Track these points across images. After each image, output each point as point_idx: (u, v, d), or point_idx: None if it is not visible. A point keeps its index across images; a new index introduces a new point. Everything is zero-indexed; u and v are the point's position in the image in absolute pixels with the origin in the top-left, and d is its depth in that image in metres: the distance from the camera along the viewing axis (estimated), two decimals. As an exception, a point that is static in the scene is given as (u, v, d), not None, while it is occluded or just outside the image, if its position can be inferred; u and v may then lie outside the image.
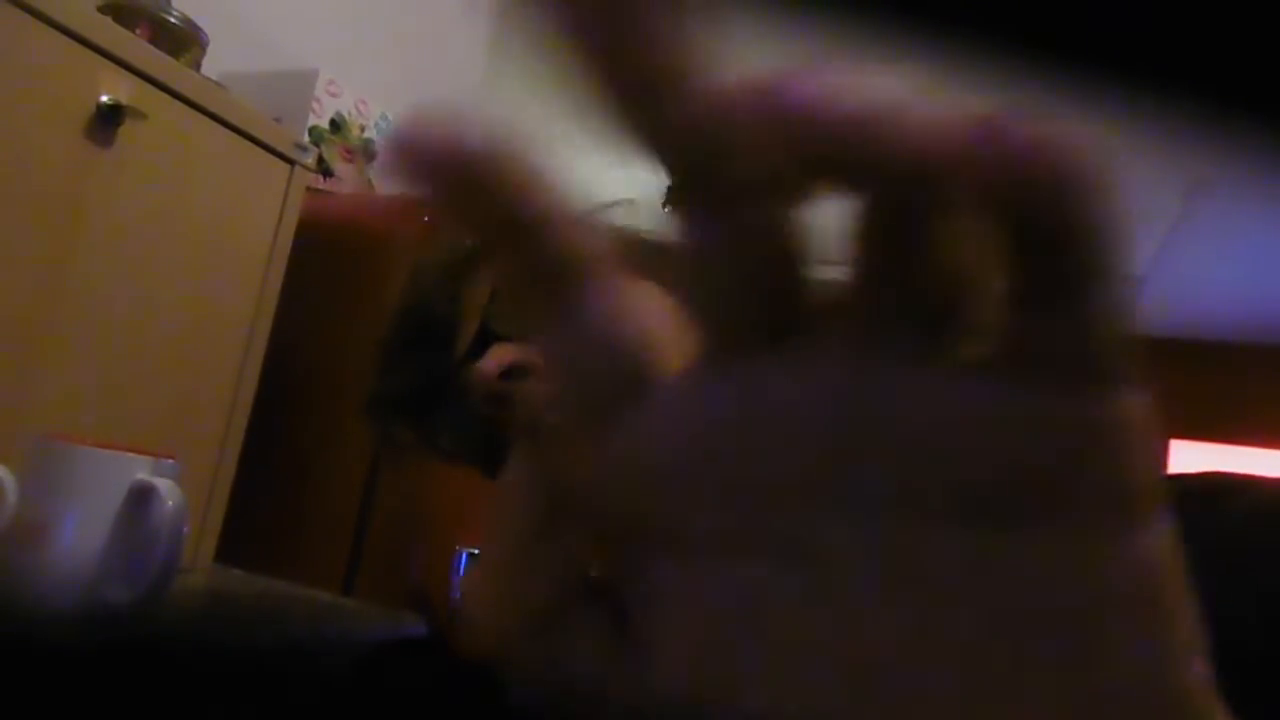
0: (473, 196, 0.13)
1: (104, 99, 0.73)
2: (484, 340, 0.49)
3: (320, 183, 1.16)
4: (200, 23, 1.01)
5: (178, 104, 0.79)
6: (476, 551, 0.93)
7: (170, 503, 0.60)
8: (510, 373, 0.47)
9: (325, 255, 0.98)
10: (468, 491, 0.92)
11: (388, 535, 0.89)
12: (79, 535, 0.58)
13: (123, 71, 0.74)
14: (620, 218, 0.56)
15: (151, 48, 0.78)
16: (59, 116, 0.71)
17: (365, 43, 1.46)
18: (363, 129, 1.20)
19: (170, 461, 0.64)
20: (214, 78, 1.17)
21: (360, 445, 0.90)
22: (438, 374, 0.53)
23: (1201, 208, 3.45)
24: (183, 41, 0.95)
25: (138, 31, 0.90)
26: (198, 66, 0.96)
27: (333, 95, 1.16)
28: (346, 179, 1.18)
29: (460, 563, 0.93)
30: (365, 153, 1.20)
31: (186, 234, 0.81)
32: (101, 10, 0.90)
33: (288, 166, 0.89)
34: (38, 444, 0.59)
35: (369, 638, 0.80)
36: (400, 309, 0.58)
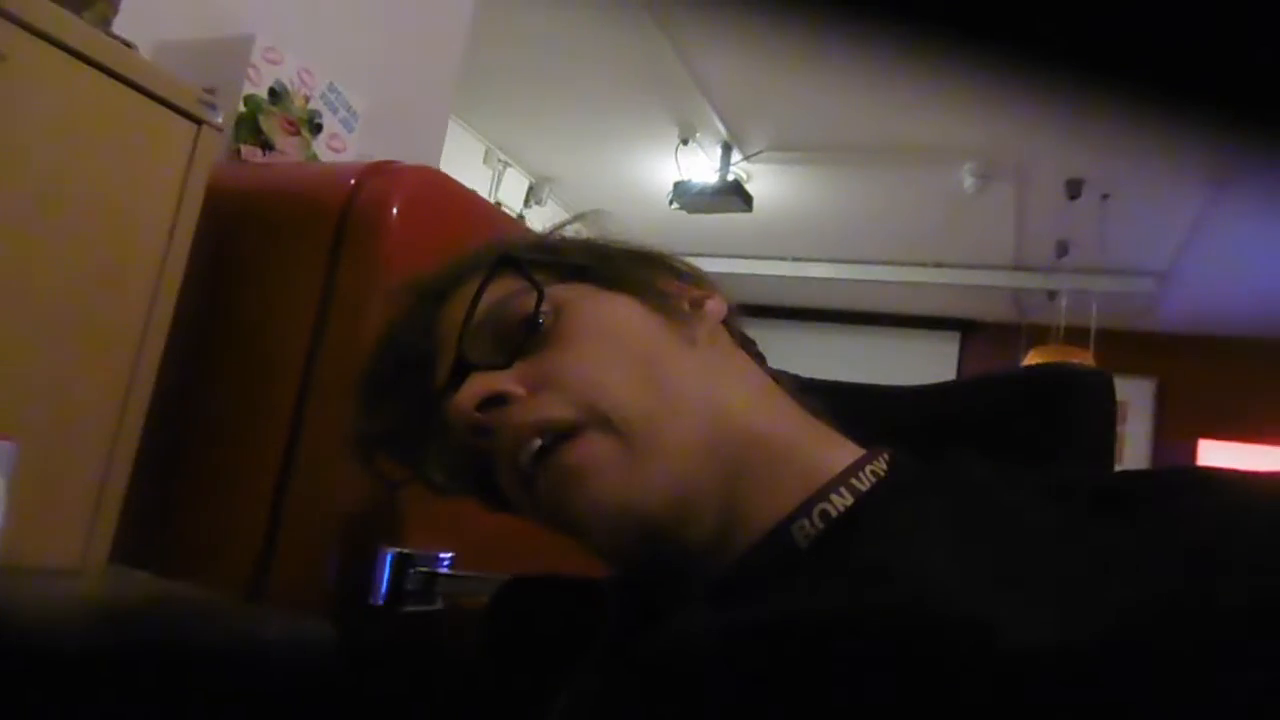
0: None
1: None
2: (461, 370, 0.49)
3: (259, 156, 1.08)
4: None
5: (54, 50, 0.71)
6: (403, 551, 0.84)
7: (-11, 486, 0.51)
8: (487, 403, 0.47)
9: (248, 227, 0.90)
10: (386, 492, 0.82)
11: (303, 531, 0.80)
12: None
13: (-17, 10, 0.66)
14: (590, 227, 0.58)
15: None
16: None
17: (309, 8, 1.38)
18: (307, 100, 1.12)
19: (3, 443, 0.55)
20: (145, 44, 1.09)
21: (274, 436, 0.82)
22: (419, 411, 0.53)
23: (1225, 206, 3.31)
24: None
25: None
26: (107, 24, 0.89)
27: (272, 63, 1.08)
28: (289, 152, 1.10)
29: (384, 563, 0.84)
30: (310, 125, 1.12)
31: (68, 196, 0.73)
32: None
33: (194, 126, 0.81)
34: None
35: (269, 644, 0.71)
36: (376, 346, 0.58)
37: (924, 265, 4.35)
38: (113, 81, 0.75)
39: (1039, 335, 4.14)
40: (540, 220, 4.07)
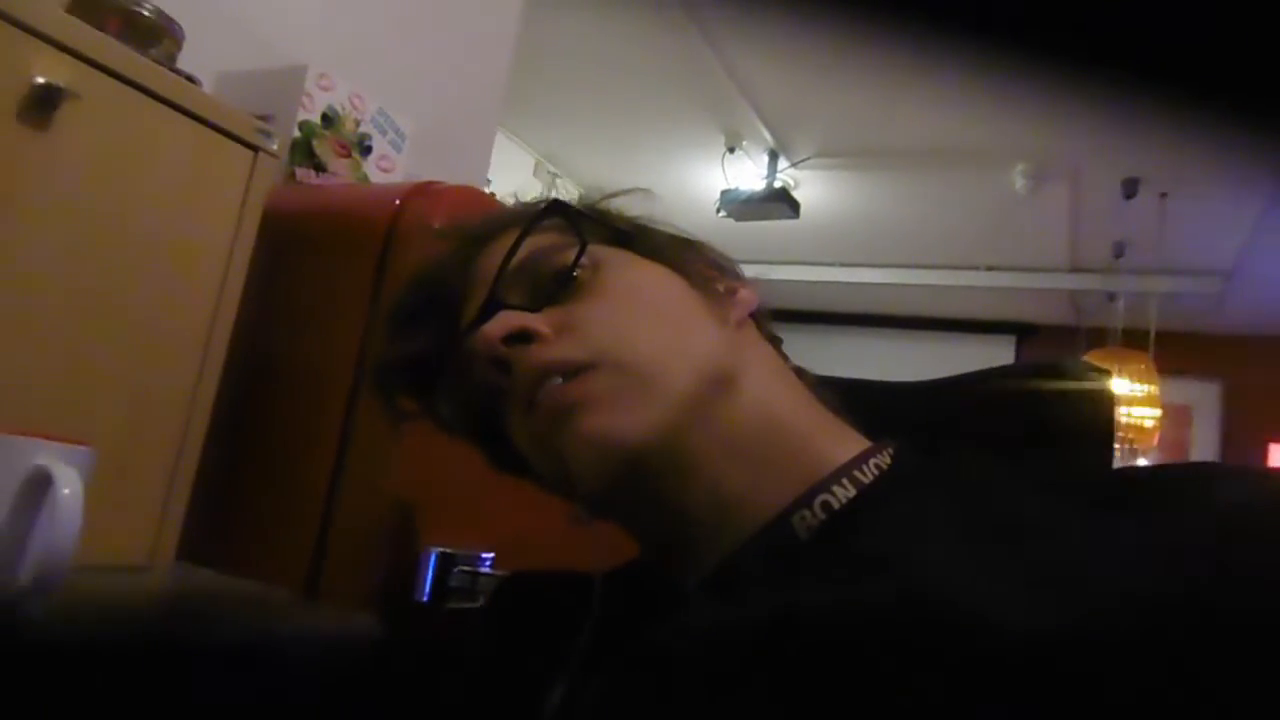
0: None
1: (39, 80, 0.71)
2: (491, 308, 0.49)
3: (313, 178, 1.14)
4: (190, 20, 1.00)
5: (124, 88, 0.77)
6: (446, 551, 0.88)
7: (66, 489, 0.57)
8: (513, 338, 0.47)
9: (301, 246, 0.96)
10: (433, 492, 0.87)
11: (353, 533, 0.85)
12: (-30, 521, 0.56)
13: (60, 53, 0.73)
14: (634, 205, 0.58)
15: (91, 29, 0.76)
16: (-11, 97, 0.69)
17: (360, 37, 1.45)
18: (358, 123, 1.18)
19: (82, 448, 0.61)
20: (207, 75, 1.17)
21: (325, 444, 0.87)
22: (442, 342, 0.53)
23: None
24: (153, 33, 0.94)
25: (108, 25, 0.90)
26: (173, 60, 0.95)
27: (324, 90, 1.14)
28: (341, 173, 1.15)
29: (429, 562, 0.88)
30: (361, 147, 1.18)
31: (137, 221, 0.79)
32: (72, 5, 0.90)
33: (250, 153, 0.87)
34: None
35: (321, 637, 0.76)
36: (410, 280, 0.58)
37: (976, 269, 4.29)
38: (177, 114, 0.81)
39: (1097, 338, 4.05)
40: (590, 230, 4.13)
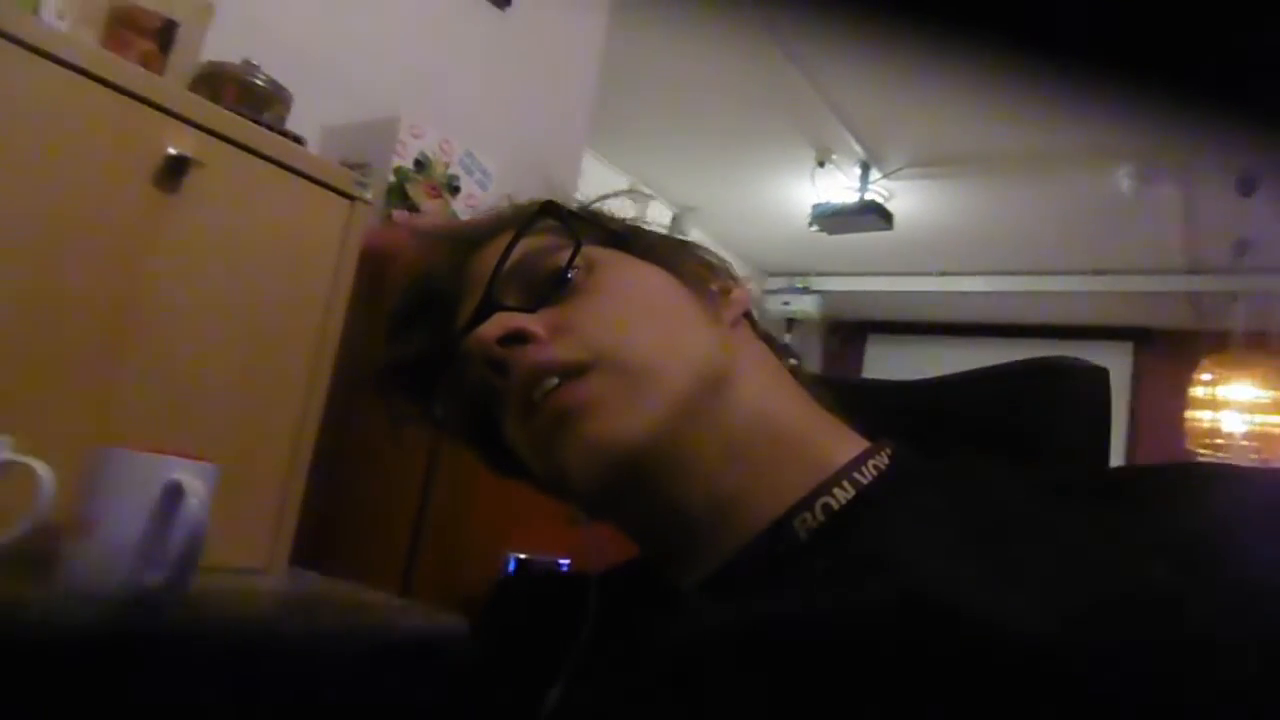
0: None
1: (170, 151, 0.83)
2: (487, 309, 0.49)
3: (407, 218, 1.25)
4: (300, 78, 1.13)
5: (240, 153, 0.89)
6: (524, 557, 0.96)
7: (194, 499, 0.67)
8: (509, 339, 0.47)
9: (395, 279, 1.06)
10: (514, 502, 0.95)
11: (441, 540, 0.94)
12: (118, 526, 0.66)
13: (187, 127, 0.85)
14: (629, 208, 0.58)
15: (212, 104, 0.88)
16: (132, 167, 0.82)
17: (447, 88, 1.57)
18: (447, 166, 1.29)
19: (208, 465, 0.71)
20: (315, 129, 1.30)
21: (417, 462, 0.96)
22: (438, 344, 0.53)
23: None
24: (265, 100, 1.06)
25: (227, 95, 1.03)
26: (282, 121, 1.08)
27: (416, 138, 1.25)
28: (433, 213, 1.26)
29: (509, 567, 0.96)
30: (450, 188, 1.29)
31: (254, 264, 0.91)
32: (197, 79, 1.03)
33: (348, 202, 0.97)
34: (88, 450, 0.68)
35: (413, 633, 0.85)
36: (406, 283, 0.58)
37: (1085, 274, 4.15)
38: (285, 172, 0.93)
39: (1219, 341, 3.85)
40: (684, 248, 4.20)
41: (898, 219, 3.63)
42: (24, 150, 0.76)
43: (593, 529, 0.52)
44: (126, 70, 0.83)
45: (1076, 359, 0.56)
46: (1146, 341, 4.70)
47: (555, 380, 0.46)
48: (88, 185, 0.80)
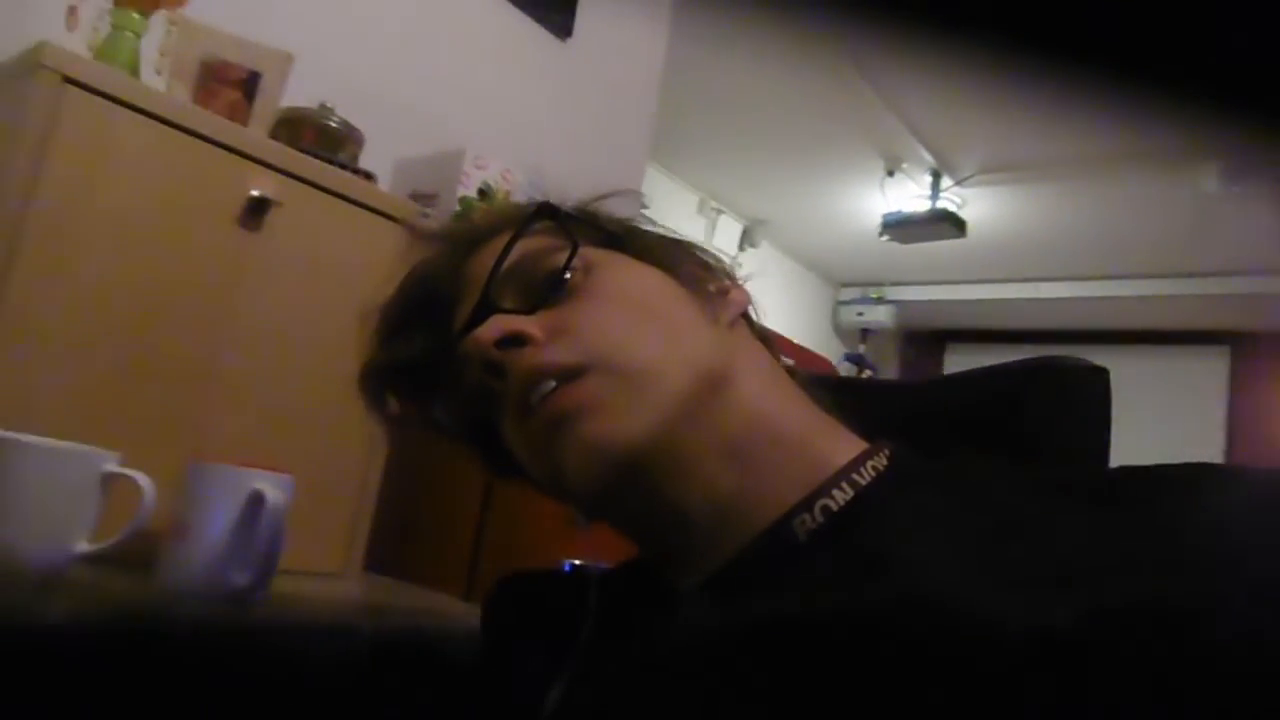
0: None
1: (253, 193, 0.92)
2: (484, 311, 0.49)
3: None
4: (376, 118, 1.22)
5: (316, 192, 0.98)
6: (579, 563, 1.01)
7: (274, 506, 0.74)
8: (506, 341, 0.47)
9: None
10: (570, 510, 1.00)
11: (502, 547, 1.00)
12: (209, 531, 0.74)
13: (268, 170, 0.93)
14: (625, 209, 0.58)
15: (291, 149, 0.97)
16: (219, 209, 0.91)
17: (509, 119, 1.65)
18: (509, 194, 1.36)
19: (286, 476, 0.79)
20: (389, 161, 1.39)
21: (477, 471, 1.03)
22: (435, 347, 0.53)
23: None
24: (341, 141, 1.15)
25: (305, 136, 1.12)
26: (355, 159, 1.17)
27: (479, 168, 1.33)
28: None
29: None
30: (512, 214, 1.36)
31: (328, 293, 0.99)
32: (278, 123, 1.13)
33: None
34: (184, 464, 0.77)
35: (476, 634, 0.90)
36: (402, 284, 0.58)
37: (1173, 277, 4.01)
38: (355, 207, 1.01)
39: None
40: (756, 262, 4.23)
41: (971, 226, 3.58)
42: (127, 196, 0.86)
43: (592, 529, 0.53)
44: (214, 122, 0.92)
45: (1077, 358, 0.56)
46: (1244, 345, 4.50)
47: (552, 383, 0.46)
48: (181, 226, 0.89)
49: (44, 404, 0.80)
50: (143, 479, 0.69)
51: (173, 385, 0.88)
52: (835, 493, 0.46)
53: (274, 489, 0.76)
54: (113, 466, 0.70)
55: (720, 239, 4.05)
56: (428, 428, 0.57)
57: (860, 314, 4.67)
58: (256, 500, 0.75)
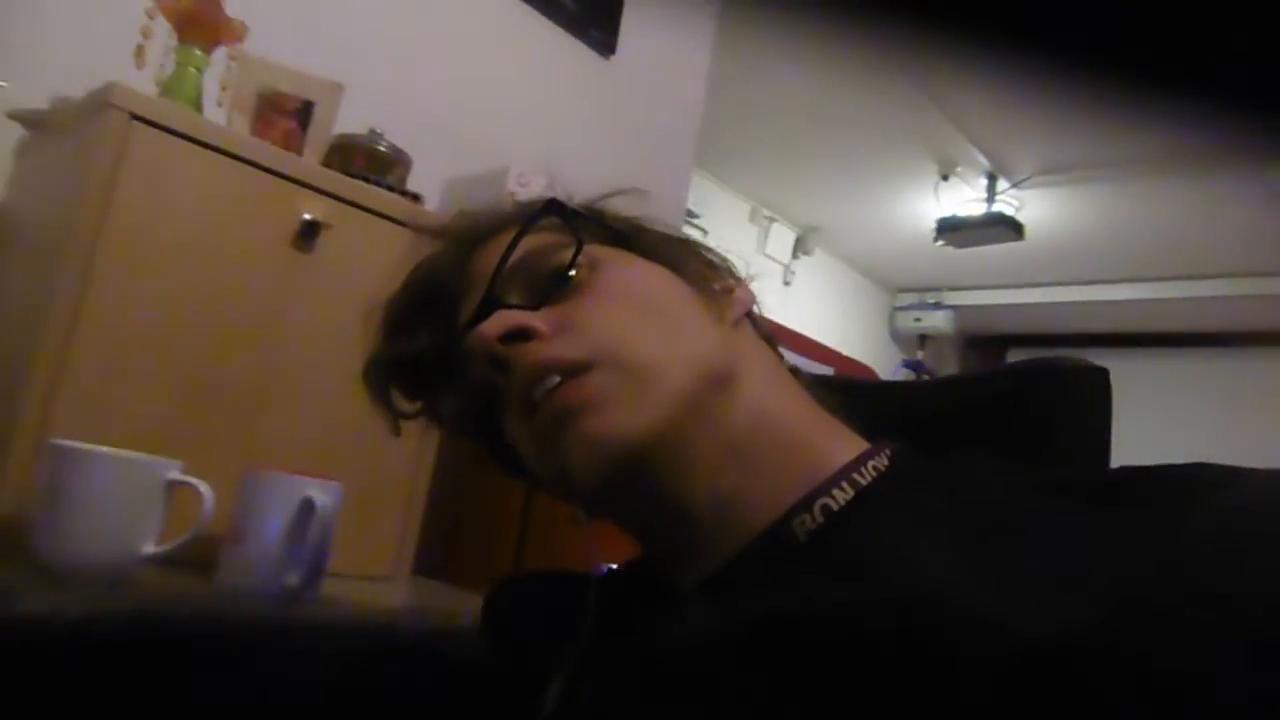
0: None
1: (305, 217, 0.98)
2: (489, 306, 0.49)
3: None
4: (425, 140, 1.28)
5: (364, 214, 1.03)
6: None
7: (323, 512, 0.79)
8: (511, 336, 0.47)
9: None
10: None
11: (542, 552, 1.04)
12: (263, 535, 0.79)
13: (319, 195, 0.99)
14: (629, 206, 0.57)
15: (340, 175, 1.03)
16: (273, 232, 0.97)
17: (552, 138, 1.69)
18: (552, 210, 1.40)
19: (335, 483, 0.83)
20: (438, 182, 1.45)
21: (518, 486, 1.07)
22: (440, 342, 0.53)
23: None
24: (389, 164, 1.21)
25: (357, 161, 1.18)
26: (403, 181, 1.22)
27: (522, 186, 1.38)
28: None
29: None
30: (555, 229, 1.40)
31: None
32: (331, 149, 1.19)
33: (457, 250, 1.10)
34: (241, 472, 0.82)
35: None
36: (407, 280, 0.58)
37: (1242, 276, 3.88)
38: (401, 228, 1.06)
39: None
40: (810, 269, 4.22)
41: (1030, 229, 3.52)
42: (189, 223, 0.92)
43: (593, 528, 0.53)
44: (268, 151, 0.98)
45: (1077, 359, 0.56)
46: (1322, 346, 4.32)
47: (557, 378, 0.46)
48: (239, 250, 0.95)
49: (116, 418, 0.87)
50: (203, 486, 0.75)
51: (231, 398, 0.94)
52: (836, 492, 0.46)
53: (323, 495, 0.80)
54: (176, 475, 0.75)
55: (773, 247, 4.05)
56: (432, 423, 0.58)
57: (918, 319, 4.62)
58: (307, 506, 0.80)
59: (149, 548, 0.73)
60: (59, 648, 0.61)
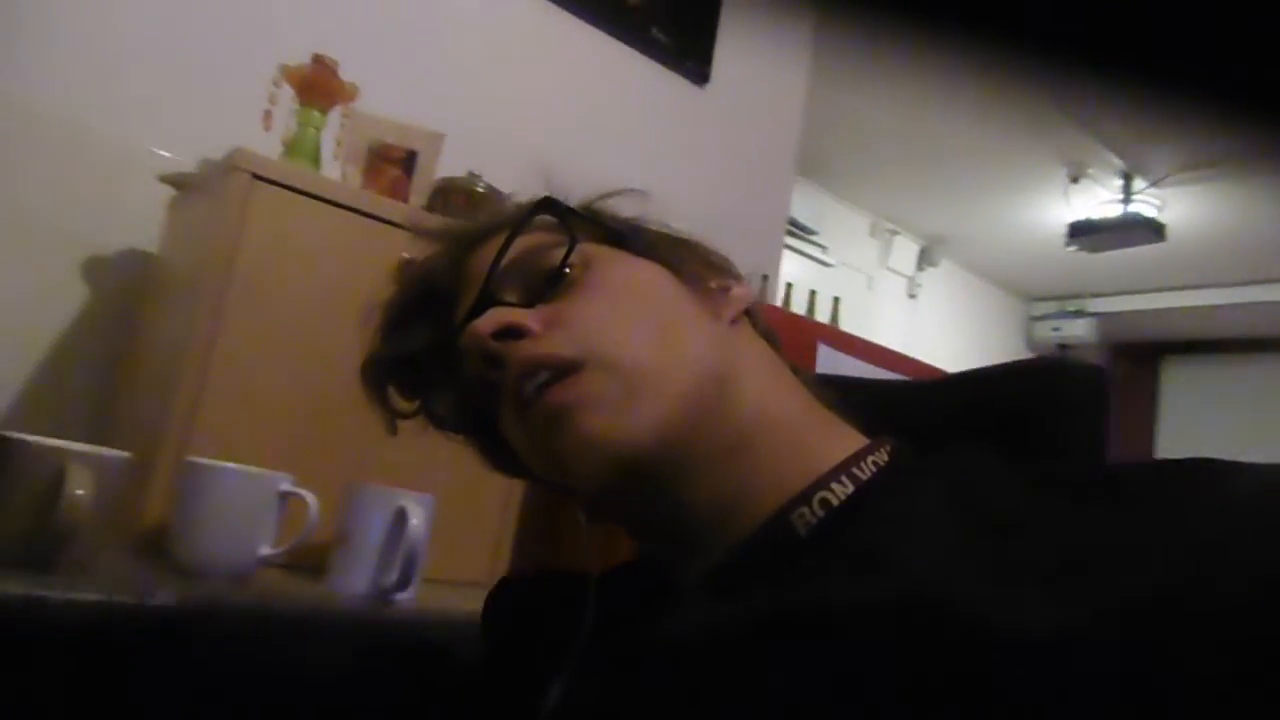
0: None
1: (404, 255, 1.08)
2: (483, 304, 0.50)
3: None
4: (524, 177, 1.37)
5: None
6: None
7: (415, 520, 0.88)
8: (503, 333, 0.47)
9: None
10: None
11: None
12: (363, 542, 0.89)
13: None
14: (629, 207, 0.58)
15: (431, 214, 1.13)
16: (379, 272, 1.08)
17: (654, 171, 1.77)
18: (642, 237, 1.47)
19: (427, 495, 0.93)
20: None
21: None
22: (435, 341, 0.54)
23: None
24: (486, 203, 1.31)
25: (457, 203, 1.29)
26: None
27: (613, 215, 1.46)
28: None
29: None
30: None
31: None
32: (434, 193, 1.30)
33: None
34: (344, 484, 0.92)
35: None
36: (404, 280, 0.59)
37: None
38: (492, 261, 1.15)
39: None
40: (935, 280, 4.12)
41: (1171, 229, 3.33)
42: (306, 267, 1.04)
43: (593, 527, 0.54)
44: (375, 200, 1.10)
45: (1076, 358, 0.55)
46: None
47: (545, 374, 0.46)
48: (348, 291, 1.06)
49: (239, 438, 0.99)
50: (309, 496, 0.85)
51: (335, 419, 1.05)
52: (835, 486, 0.46)
53: (415, 506, 0.89)
54: (287, 486, 0.86)
55: (896, 260, 3.99)
56: (430, 422, 0.58)
57: (1056, 329, 4.42)
58: (401, 516, 0.89)
59: (265, 549, 0.84)
60: (186, 632, 0.71)
